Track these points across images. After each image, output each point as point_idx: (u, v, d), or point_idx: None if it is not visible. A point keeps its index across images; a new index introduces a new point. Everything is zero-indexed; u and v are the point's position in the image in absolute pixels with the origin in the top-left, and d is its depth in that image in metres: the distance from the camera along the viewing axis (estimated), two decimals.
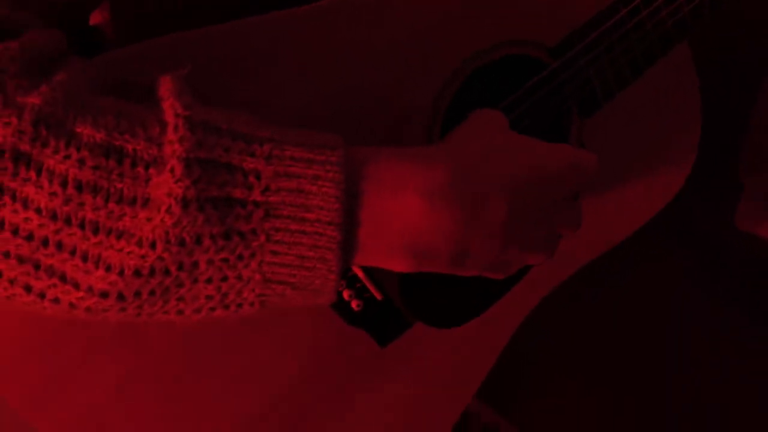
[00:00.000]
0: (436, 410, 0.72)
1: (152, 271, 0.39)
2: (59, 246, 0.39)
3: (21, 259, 0.39)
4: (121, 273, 0.39)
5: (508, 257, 0.49)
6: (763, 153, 0.84)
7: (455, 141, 0.49)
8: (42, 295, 0.40)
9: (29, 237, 0.38)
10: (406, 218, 0.43)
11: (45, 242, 0.39)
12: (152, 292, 0.41)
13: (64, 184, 0.37)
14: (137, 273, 0.39)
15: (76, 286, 0.40)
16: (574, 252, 0.72)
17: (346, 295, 0.60)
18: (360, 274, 0.60)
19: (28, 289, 0.40)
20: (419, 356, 0.67)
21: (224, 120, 0.40)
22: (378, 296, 0.61)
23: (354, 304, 0.61)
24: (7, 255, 0.39)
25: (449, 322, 0.67)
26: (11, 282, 0.40)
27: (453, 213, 0.44)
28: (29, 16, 0.43)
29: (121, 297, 0.40)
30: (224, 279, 0.41)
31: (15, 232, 0.38)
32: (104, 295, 0.40)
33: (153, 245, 0.39)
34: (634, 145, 0.72)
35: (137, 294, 0.40)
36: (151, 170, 0.39)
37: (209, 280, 0.41)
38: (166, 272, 0.40)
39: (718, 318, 0.87)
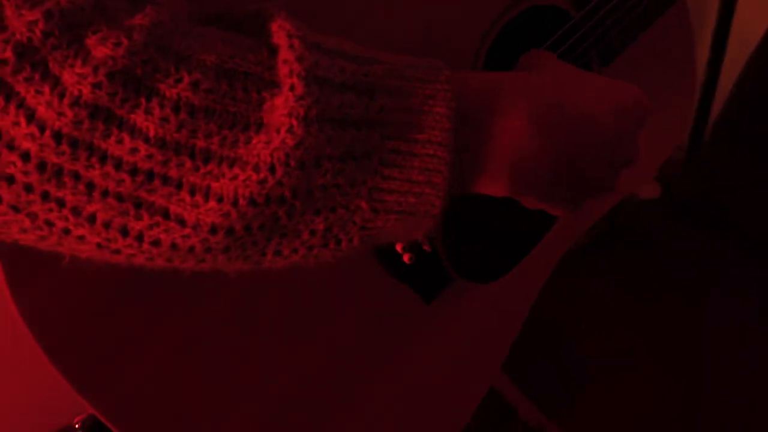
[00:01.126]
0: (471, 372, 0.73)
1: (268, 200, 0.38)
2: (165, 179, 0.36)
3: (121, 198, 0.37)
4: (235, 203, 0.37)
5: (590, 185, 0.49)
6: None
7: (536, 73, 0.49)
8: (140, 238, 0.38)
9: (133, 171, 0.36)
10: (509, 139, 0.43)
11: (150, 176, 0.36)
12: (262, 226, 0.39)
13: (176, 109, 0.35)
14: (253, 202, 0.37)
15: (182, 222, 0.37)
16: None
17: (398, 247, 0.60)
18: None
19: (124, 232, 0.37)
20: (456, 318, 0.68)
21: (334, 42, 0.39)
22: (428, 248, 0.61)
23: (406, 257, 0.60)
24: (105, 194, 0.36)
25: (485, 276, 0.68)
26: (106, 225, 0.37)
27: (550, 138, 0.44)
28: None
29: (230, 232, 0.38)
30: (333, 209, 0.40)
31: (118, 166, 0.36)
32: (213, 230, 0.38)
33: (272, 169, 0.37)
34: None
35: (247, 228, 0.38)
36: (264, 94, 0.37)
37: (318, 211, 0.40)
38: (282, 200, 0.38)
39: None
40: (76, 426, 0.56)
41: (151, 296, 0.51)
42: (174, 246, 0.38)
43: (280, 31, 0.38)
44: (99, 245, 0.38)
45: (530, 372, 1.41)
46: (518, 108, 0.44)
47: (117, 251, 0.39)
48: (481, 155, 0.43)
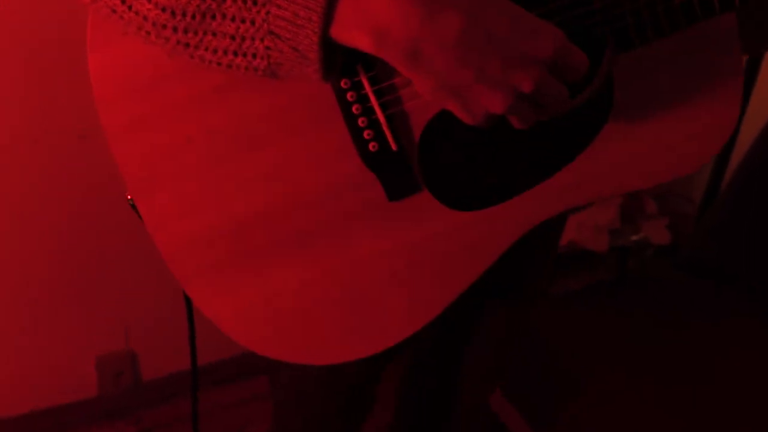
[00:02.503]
0: (430, 284, 0.74)
1: None
2: None
3: None
4: None
5: (461, 81, 0.54)
6: None
7: None
8: (131, 8, 0.54)
9: None
10: (376, 1, 0.52)
11: None
12: (193, 16, 0.53)
13: None
14: None
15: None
16: (586, 181, 0.73)
17: (365, 134, 0.67)
18: (381, 118, 0.67)
19: (129, 7, 0.55)
20: (421, 224, 0.72)
21: None
22: (393, 146, 0.68)
23: (371, 146, 0.68)
24: None
25: (457, 202, 0.71)
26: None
27: (412, 6, 0.52)
28: None
29: (173, 13, 0.53)
30: (243, 20, 0.53)
31: None
32: (163, 9, 0.53)
33: None
34: (672, 94, 0.71)
35: (183, 14, 0.53)
36: None
37: (233, 18, 0.53)
38: None
39: None
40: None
41: (180, 91, 0.67)
42: (146, 18, 0.54)
43: None
44: (112, 11, 0.57)
45: (528, 396, 1.43)
46: None
47: (127, 23, 0.57)
48: (351, 10, 0.53)
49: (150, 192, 0.71)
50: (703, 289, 1.56)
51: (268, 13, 0.53)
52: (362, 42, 0.54)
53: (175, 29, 0.54)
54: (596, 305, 1.59)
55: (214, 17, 0.53)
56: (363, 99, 0.67)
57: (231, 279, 0.73)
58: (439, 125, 0.69)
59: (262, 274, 0.72)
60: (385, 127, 0.67)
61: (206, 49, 0.55)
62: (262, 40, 0.54)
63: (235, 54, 0.55)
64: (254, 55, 0.55)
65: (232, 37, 0.54)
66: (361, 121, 0.67)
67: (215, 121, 0.68)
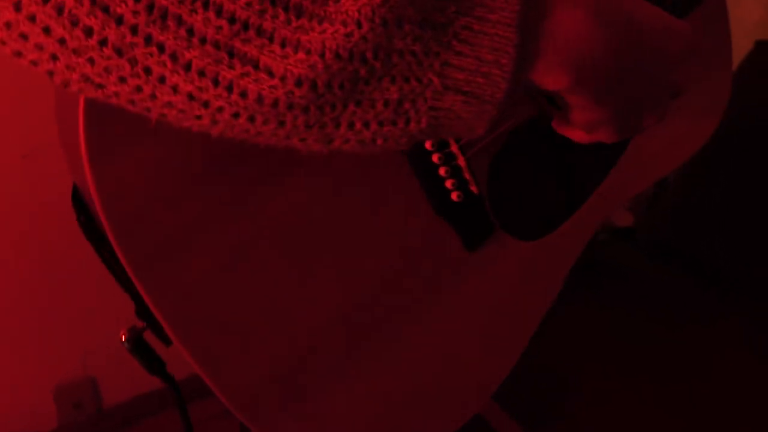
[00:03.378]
0: (509, 331, 0.73)
1: (351, 55, 0.40)
2: (259, 30, 0.40)
3: (217, 45, 0.40)
4: (322, 55, 0.40)
5: (640, 100, 0.51)
6: None
7: None
8: (230, 88, 0.41)
9: (231, 19, 0.39)
10: (576, 29, 0.46)
11: (245, 26, 0.39)
12: (342, 85, 0.41)
13: None
14: (338, 55, 0.40)
15: (270, 73, 0.40)
16: (625, 183, 0.77)
17: (449, 183, 0.62)
18: (463, 164, 0.62)
19: (216, 81, 0.40)
20: (499, 265, 0.69)
21: None
22: (475, 189, 0.63)
23: (455, 195, 0.63)
24: (203, 41, 0.39)
25: (530, 231, 0.69)
26: (200, 73, 0.40)
27: (612, 32, 0.47)
28: None
29: (314, 86, 0.41)
30: (407, 79, 0.42)
31: (218, 12, 0.39)
32: (298, 83, 0.40)
33: (358, 24, 0.40)
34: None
35: (329, 85, 0.41)
36: None
37: (393, 79, 0.42)
38: (364, 59, 0.41)
39: None
40: (123, 338, 0.58)
41: (215, 193, 0.53)
42: (260, 99, 0.41)
43: None
44: (190, 95, 0.41)
45: (517, 397, 1.43)
46: (582, 1, 0.46)
47: (205, 104, 0.41)
48: (544, 41, 0.45)
49: (193, 329, 0.54)
50: (681, 283, 1.59)
51: (444, 64, 0.43)
52: (559, 81, 0.46)
53: (306, 109, 0.42)
54: (577, 300, 1.59)
55: (367, 82, 0.42)
56: (443, 145, 0.62)
57: (314, 403, 0.61)
58: (504, 158, 0.65)
59: (344, 379, 0.62)
60: (466, 173, 0.63)
61: (338, 126, 0.44)
62: (427, 99, 0.44)
63: (382, 124, 0.44)
64: (408, 120, 0.44)
65: (386, 103, 0.43)
66: (444, 171, 0.62)
67: (263, 226, 0.55)
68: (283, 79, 0.41)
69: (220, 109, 0.42)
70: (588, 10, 0.46)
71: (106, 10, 0.39)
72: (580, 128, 0.55)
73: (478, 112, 0.45)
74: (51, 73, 0.42)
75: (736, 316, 1.26)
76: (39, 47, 0.41)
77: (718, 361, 1.18)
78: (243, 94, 0.41)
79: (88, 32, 0.39)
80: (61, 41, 0.40)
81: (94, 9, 0.39)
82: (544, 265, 0.73)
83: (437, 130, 0.47)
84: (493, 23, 0.43)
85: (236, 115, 0.42)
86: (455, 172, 0.62)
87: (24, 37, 0.41)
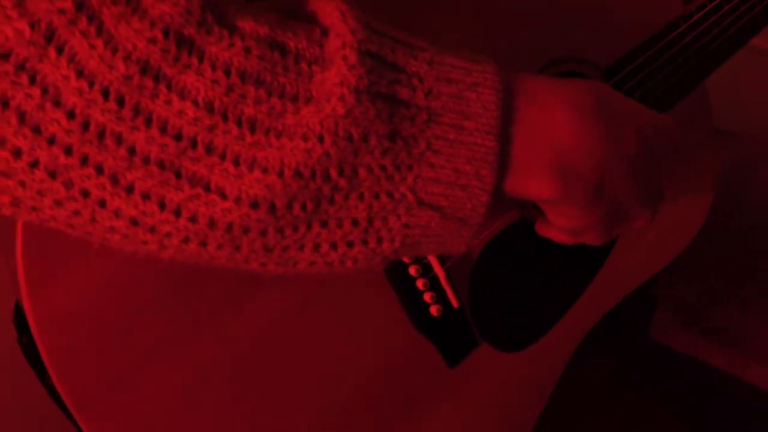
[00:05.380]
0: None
1: (313, 173, 0.36)
2: (209, 148, 0.35)
3: (162, 166, 0.35)
4: (280, 174, 0.35)
5: (629, 202, 0.47)
6: (678, 270, 0.89)
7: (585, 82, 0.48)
8: (178, 212, 0.36)
9: (177, 136, 0.35)
10: (556, 132, 0.42)
11: (194, 143, 0.35)
12: (304, 206, 0.37)
13: (227, 72, 0.34)
14: (298, 173, 0.36)
15: (223, 195, 0.36)
16: (623, 276, 0.73)
17: (427, 297, 0.57)
18: (441, 276, 0.58)
19: (162, 205, 0.36)
20: (482, 379, 0.64)
21: (384, 26, 0.39)
22: (455, 303, 0.59)
23: (434, 309, 0.58)
24: (146, 161, 0.35)
25: (512, 345, 0.65)
26: (144, 196, 0.35)
27: (598, 132, 0.43)
28: None
29: (272, 208, 0.36)
30: (377, 196, 0.38)
31: (163, 129, 0.34)
32: (255, 204, 0.36)
33: (320, 138, 0.36)
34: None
35: (289, 206, 0.37)
36: (315, 67, 0.36)
37: (362, 196, 0.38)
38: (327, 177, 0.36)
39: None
40: None
41: (168, 318, 0.48)
42: (212, 223, 0.36)
43: (333, 11, 0.37)
44: (134, 220, 0.36)
45: None
46: (561, 101, 0.42)
47: (152, 229, 0.37)
48: (528, 147, 0.41)
49: None
50: None
51: (417, 177, 0.38)
52: (544, 189, 0.42)
53: (263, 232, 0.38)
54: None
55: (332, 201, 0.38)
56: (420, 257, 0.57)
57: None
58: (484, 266, 0.61)
59: None
60: (445, 284, 0.58)
61: (302, 249, 0.39)
62: (400, 216, 0.39)
63: (352, 245, 0.40)
64: (381, 240, 0.40)
65: (355, 222, 0.39)
66: (422, 284, 0.57)
67: (222, 355, 0.49)
68: (237, 200, 0.36)
69: (168, 235, 0.37)
70: (569, 110, 0.42)
71: (36, 129, 0.34)
72: (564, 232, 0.51)
73: (458, 227, 0.41)
74: None
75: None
76: None
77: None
78: (192, 219, 0.36)
79: (17, 153, 0.35)
80: None
81: (22, 128, 0.34)
82: (535, 371, 0.69)
83: (413, 249, 0.42)
84: (471, 131, 0.39)
85: (186, 240, 0.37)
86: (433, 284, 0.58)
87: None
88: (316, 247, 0.39)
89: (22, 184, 0.36)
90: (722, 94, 0.76)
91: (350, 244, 0.40)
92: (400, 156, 0.38)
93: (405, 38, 0.39)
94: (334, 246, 0.39)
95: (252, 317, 0.50)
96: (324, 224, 0.38)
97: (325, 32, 0.38)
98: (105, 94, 0.34)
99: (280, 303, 0.51)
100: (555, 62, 0.61)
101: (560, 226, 0.49)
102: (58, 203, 0.36)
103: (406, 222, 0.40)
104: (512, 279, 0.63)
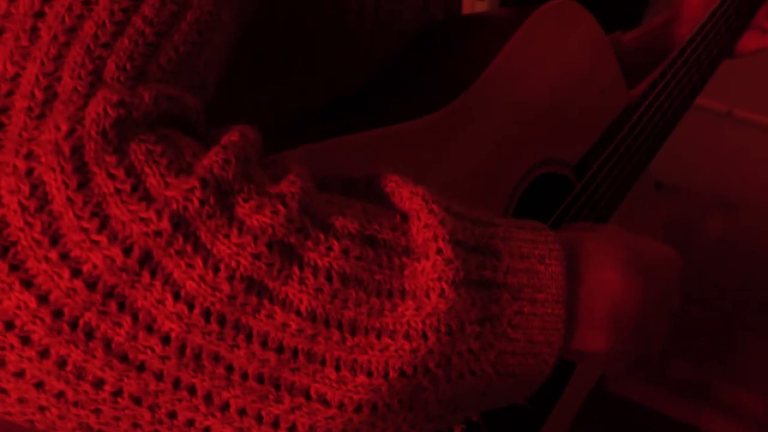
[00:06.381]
0: None
1: (415, 370, 0.35)
2: (310, 356, 0.34)
3: (261, 380, 0.33)
4: (385, 375, 0.34)
5: (658, 334, 0.50)
6: None
7: (595, 230, 0.50)
8: (276, 424, 0.34)
9: (279, 348, 0.33)
10: (610, 289, 0.44)
11: (294, 353, 0.33)
12: (401, 401, 0.36)
13: (329, 278, 0.33)
14: (403, 373, 0.35)
15: (325, 402, 0.34)
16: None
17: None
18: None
19: (259, 419, 0.34)
20: None
21: (457, 205, 0.39)
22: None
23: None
24: (245, 377, 0.33)
25: None
26: (240, 413, 0.33)
27: (638, 281, 0.45)
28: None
29: (374, 409, 0.35)
30: (462, 376, 0.38)
31: (264, 344, 0.33)
32: (359, 408, 0.35)
33: (425, 336, 0.35)
34: None
35: (389, 406, 0.36)
36: (405, 259, 0.36)
37: (449, 380, 0.37)
38: (426, 370, 0.36)
39: None
40: None
41: None
42: (311, 430, 0.35)
43: (413, 197, 0.37)
44: None
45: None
46: (609, 258, 0.44)
47: None
48: (588, 308, 0.43)
49: None
50: None
51: (499, 353, 0.38)
52: (598, 344, 0.44)
53: (357, 431, 0.36)
54: None
55: (425, 390, 0.37)
56: None
57: None
58: None
59: None
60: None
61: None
62: (480, 390, 0.39)
63: (429, 420, 0.39)
64: (456, 412, 0.40)
65: (439, 404, 0.38)
66: None
67: None
68: (341, 407, 0.35)
69: None
70: (615, 266, 0.45)
71: (124, 358, 0.32)
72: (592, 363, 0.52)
73: (526, 386, 0.42)
74: (31, 421, 0.34)
75: None
76: (22, 401, 0.33)
77: None
78: (291, 429, 0.35)
79: (98, 384, 0.32)
80: (59, 395, 0.32)
81: (108, 359, 0.31)
82: None
83: (482, 410, 0.43)
84: (542, 302, 0.40)
85: None
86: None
87: (4, 392, 0.33)
88: (397, 429, 0.38)
89: (97, 412, 0.33)
90: (666, 149, 0.80)
91: (428, 420, 0.39)
92: (487, 337, 0.38)
93: (478, 216, 0.40)
94: (413, 425, 0.39)
95: None
96: (410, 409, 0.38)
97: (404, 218, 0.37)
98: (206, 316, 0.32)
99: None
100: (531, 170, 0.64)
101: (592, 363, 0.50)
102: (136, 426, 0.34)
103: (483, 391, 0.40)
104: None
